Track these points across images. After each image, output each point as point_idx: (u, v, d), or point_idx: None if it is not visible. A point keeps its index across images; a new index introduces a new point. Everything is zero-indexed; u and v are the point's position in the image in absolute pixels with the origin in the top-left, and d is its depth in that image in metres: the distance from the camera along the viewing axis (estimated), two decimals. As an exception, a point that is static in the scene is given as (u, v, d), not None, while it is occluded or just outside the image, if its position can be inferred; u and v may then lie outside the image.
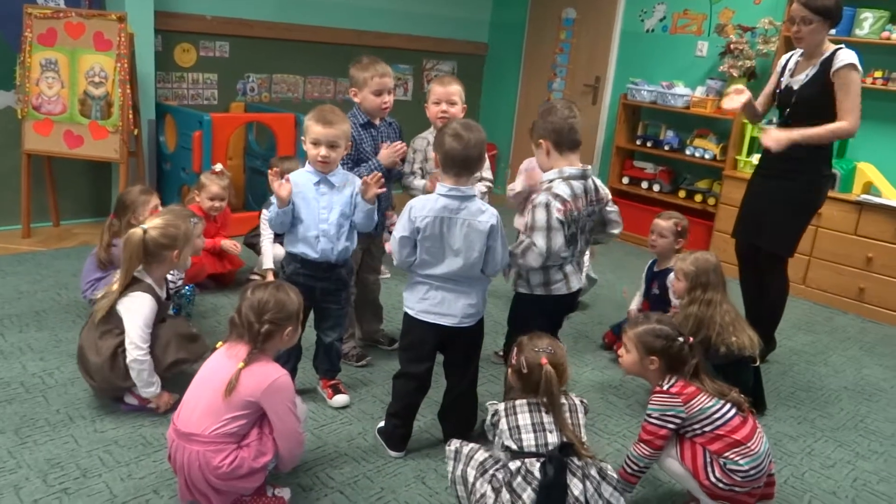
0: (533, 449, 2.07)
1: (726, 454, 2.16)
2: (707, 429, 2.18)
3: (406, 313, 2.50)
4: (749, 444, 2.16)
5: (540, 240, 2.42)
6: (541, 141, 2.51)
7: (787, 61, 3.42)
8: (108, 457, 2.41)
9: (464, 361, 2.55)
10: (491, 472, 2.10)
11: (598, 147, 6.05)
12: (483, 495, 2.07)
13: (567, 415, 2.15)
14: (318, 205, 2.62)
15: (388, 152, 2.92)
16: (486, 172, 3.24)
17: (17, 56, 4.23)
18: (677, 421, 2.19)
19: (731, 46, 5.00)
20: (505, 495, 2.04)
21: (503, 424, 2.13)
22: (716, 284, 2.88)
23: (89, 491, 2.23)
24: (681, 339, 2.23)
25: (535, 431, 2.10)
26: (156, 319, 2.64)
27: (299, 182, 2.64)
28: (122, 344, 2.59)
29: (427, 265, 2.40)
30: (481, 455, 2.16)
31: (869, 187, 4.45)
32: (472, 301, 2.44)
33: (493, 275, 2.51)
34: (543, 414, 2.12)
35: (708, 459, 2.19)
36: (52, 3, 4.37)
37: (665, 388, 2.21)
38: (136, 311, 2.57)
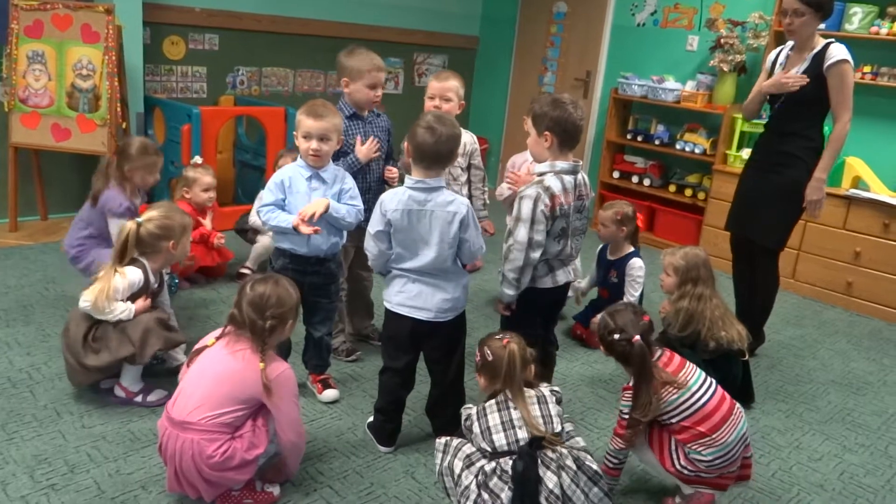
0: (505, 448, 2.09)
1: (690, 444, 2.19)
2: (674, 419, 2.20)
3: (385, 306, 2.49)
4: (714, 436, 2.17)
5: (522, 230, 2.42)
6: (546, 133, 2.46)
7: (778, 56, 3.43)
8: (95, 452, 2.40)
9: (443, 357, 2.52)
10: (477, 465, 2.11)
11: (588, 141, 6.05)
12: (467, 487, 2.08)
13: (535, 407, 2.16)
14: (310, 200, 2.61)
15: (366, 149, 2.89)
16: (477, 180, 3.25)
17: (2, 48, 4.18)
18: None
19: (722, 41, 5.01)
20: (485, 496, 2.05)
21: (475, 428, 2.16)
22: (706, 279, 2.89)
23: (77, 487, 2.22)
24: (619, 334, 2.21)
25: (504, 430, 2.12)
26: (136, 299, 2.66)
27: (291, 176, 2.62)
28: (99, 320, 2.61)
29: (402, 259, 2.40)
30: (469, 448, 2.18)
31: (857, 182, 4.47)
32: (448, 296, 2.42)
33: (469, 262, 2.51)
34: (512, 411, 2.14)
35: (673, 447, 2.23)
36: (39, -6, 4.32)
37: (631, 384, 2.24)
38: (122, 273, 2.60)
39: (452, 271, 2.43)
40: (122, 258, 2.63)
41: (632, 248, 3.51)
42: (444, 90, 3.08)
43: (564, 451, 2.12)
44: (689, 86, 5.25)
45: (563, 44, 6.22)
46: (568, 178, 2.48)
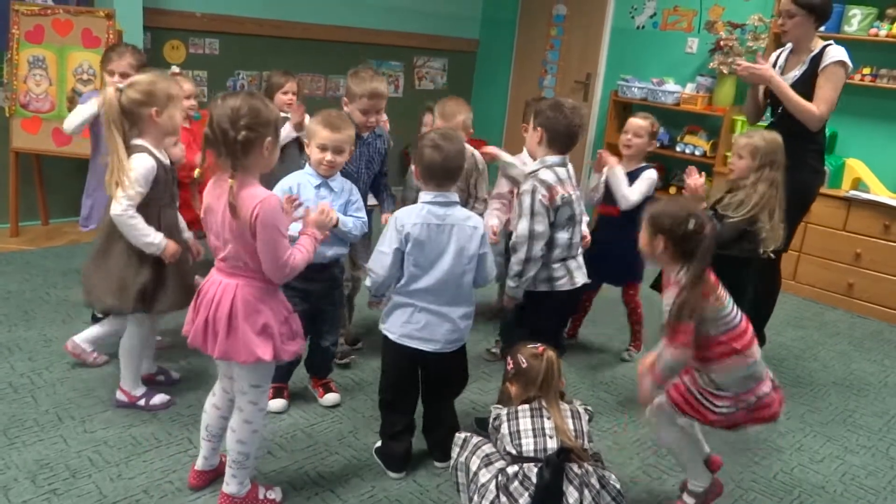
0: (532, 454, 2.06)
1: (725, 362, 2.13)
2: (712, 332, 2.13)
3: (386, 337, 2.41)
4: (748, 353, 2.15)
5: (523, 223, 2.46)
6: (539, 128, 2.53)
7: (777, 58, 3.44)
8: (97, 457, 2.40)
9: (441, 383, 2.51)
10: (496, 465, 2.09)
11: (588, 143, 6.06)
12: (484, 486, 2.06)
13: (569, 420, 2.13)
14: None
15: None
16: (481, 192, 3.26)
17: (3, 53, 4.19)
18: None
19: (721, 43, 5.01)
20: (503, 499, 2.04)
21: (504, 429, 2.12)
22: (780, 165, 2.80)
23: (79, 492, 2.23)
24: (694, 221, 2.09)
25: (535, 436, 2.08)
26: (162, 191, 2.50)
27: (300, 183, 2.61)
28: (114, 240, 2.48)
29: (413, 279, 2.32)
30: (488, 448, 2.15)
31: (857, 183, 4.48)
32: (455, 326, 2.38)
33: (484, 282, 2.47)
34: (545, 419, 2.10)
35: (702, 397, 2.19)
36: (40, 0, 4.33)
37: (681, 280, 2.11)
38: (133, 168, 2.40)
39: (464, 296, 2.39)
40: (113, 132, 2.42)
41: (644, 162, 3.38)
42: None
43: (590, 468, 2.08)
44: (689, 88, 5.26)
45: (563, 46, 6.23)
46: (560, 170, 2.53)
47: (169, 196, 2.57)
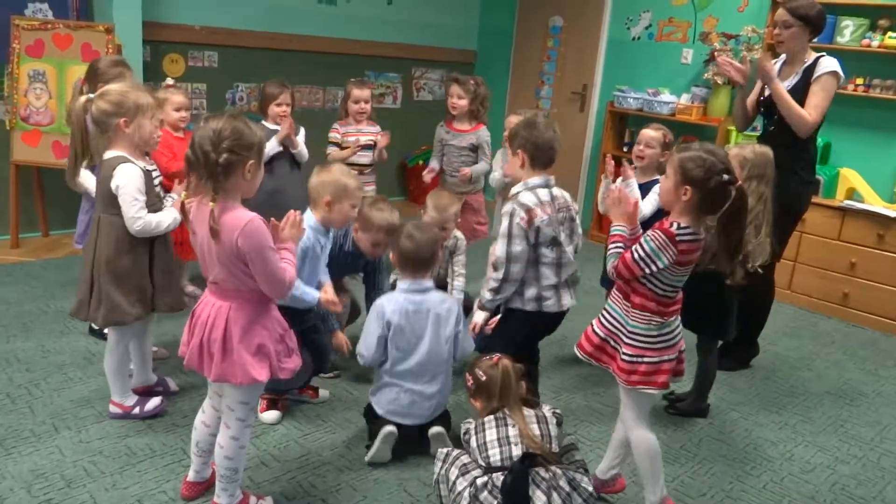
0: (499, 463, 2.12)
1: (652, 315, 2.16)
2: (658, 290, 2.15)
3: (373, 408, 2.63)
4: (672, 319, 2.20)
5: (500, 246, 2.56)
6: (519, 151, 2.59)
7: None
8: (92, 467, 2.42)
9: (423, 433, 2.65)
10: (472, 473, 2.14)
11: (585, 154, 6.09)
12: (460, 494, 2.11)
13: (534, 426, 2.19)
14: (321, 259, 2.72)
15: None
16: (459, 266, 3.36)
17: (4, 67, 4.25)
18: (654, 269, 2.10)
19: (715, 54, 5.05)
20: None
21: (473, 442, 2.20)
22: (769, 180, 2.78)
23: (73, 501, 2.25)
24: (725, 175, 2.03)
25: (500, 446, 2.15)
26: (148, 198, 2.53)
27: (312, 245, 2.64)
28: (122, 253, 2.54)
29: (397, 361, 2.55)
30: (466, 458, 2.22)
31: (852, 193, 4.50)
32: (437, 401, 2.62)
33: (462, 356, 2.68)
34: (510, 428, 2.17)
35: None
36: (40, 14, 4.39)
37: (674, 231, 2.08)
38: (122, 183, 2.45)
39: (443, 370, 2.60)
40: (85, 147, 2.50)
41: (658, 175, 3.34)
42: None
43: (559, 471, 2.12)
44: (684, 98, 5.30)
45: (560, 57, 6.27)
46: (542, 192, 2.58)
47: (154, 197, 2.59)
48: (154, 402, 2.76)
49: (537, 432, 2.18)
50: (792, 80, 3.34)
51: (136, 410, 2.73)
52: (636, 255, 2.11)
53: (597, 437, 2.88)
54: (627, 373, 2.20)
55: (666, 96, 5.35)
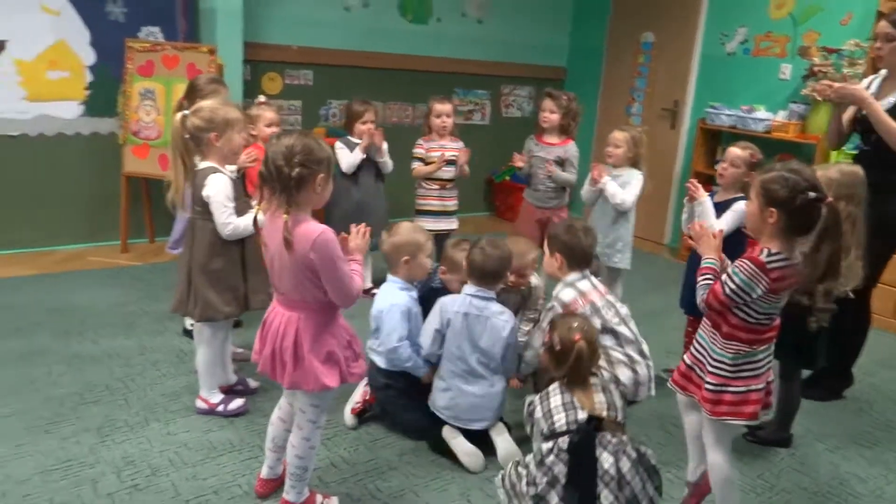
0: (564, 428, 2.08)
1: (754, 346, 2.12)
2: (751, 319, 2.09)
3: (434, 415, 2.74)
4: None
5: (537, 339, 2.71)
6: (556, 254, 2.75)
7: (870, 84, 3.31)
8: (176, 458, 2.59)
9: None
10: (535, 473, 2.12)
11: (675, 171, 5.96)
12: (525, 467, 2.14)
13: (600, 393, 2.16)
14: (412, 315, 2.83)
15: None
16: (528, 317, 3.31)
17: (119, 86, 4.60)
18: (748, 300, 2.05)
19: (815, 69, 4.85)
20: (538, 474, 2.05)
21: (538, 412, 2.17)
22: (859, 201, 2.62)
23: (157, 488, 2.41)
24: (812, 192, 1.95)
25: (565, 410, 2.11)
26: (237, 204, 2.70)
27: (409, 303, 2.80)
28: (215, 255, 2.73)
29: (454, 361, 2.67)
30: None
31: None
32: (495, 405, 2.71)
33: (508, 374, 2.78)
34: (574, 394, 2.15)
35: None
36: (152, 37, 4.74)
37: (764, 259, 2.02)
38: (213, 192, 2.65)
39: (499, 377, 2.71)
40: (177, 153, 2.68)
41: (740, 193, 3.23)
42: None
43: (626, 439, 2.07)
44: (781, 115, 5.10)
45: (651, 74, 6.18)
46: (582, 283, 2.71)
47: (242, 204, 2.76)
48: (238, 402, 2.91)
49: (601, 399, 2.14)
50: (894, 97, 3.16)
51: (221, 408, 2.89)
52: (727, 290, 2.06)
53: (668, 460, 2.80)
54: (713, 403, 2.16)
55: (761, 113, 5.17)
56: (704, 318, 2.24)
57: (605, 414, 2.10)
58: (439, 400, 2.71)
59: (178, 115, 2.67)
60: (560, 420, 2.10)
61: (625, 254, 3.74)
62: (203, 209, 2.70)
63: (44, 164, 4.62)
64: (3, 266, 4.41)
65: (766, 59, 5.36)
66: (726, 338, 2.13)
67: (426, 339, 2.72)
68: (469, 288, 2.69)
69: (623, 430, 2.12)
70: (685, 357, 2.32)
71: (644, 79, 6.24)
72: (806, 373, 3.17)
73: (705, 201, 3.16)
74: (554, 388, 2.19)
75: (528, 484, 2.09)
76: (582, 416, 2.09)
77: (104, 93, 4.66)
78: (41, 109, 4.52)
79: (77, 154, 4.71)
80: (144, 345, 3.48)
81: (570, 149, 4.09)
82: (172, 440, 2.70)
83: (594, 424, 2.06)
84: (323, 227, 2.01)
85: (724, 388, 2.13)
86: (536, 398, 2.23)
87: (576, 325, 2.23)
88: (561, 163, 4.04)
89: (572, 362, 2.15)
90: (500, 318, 2.67)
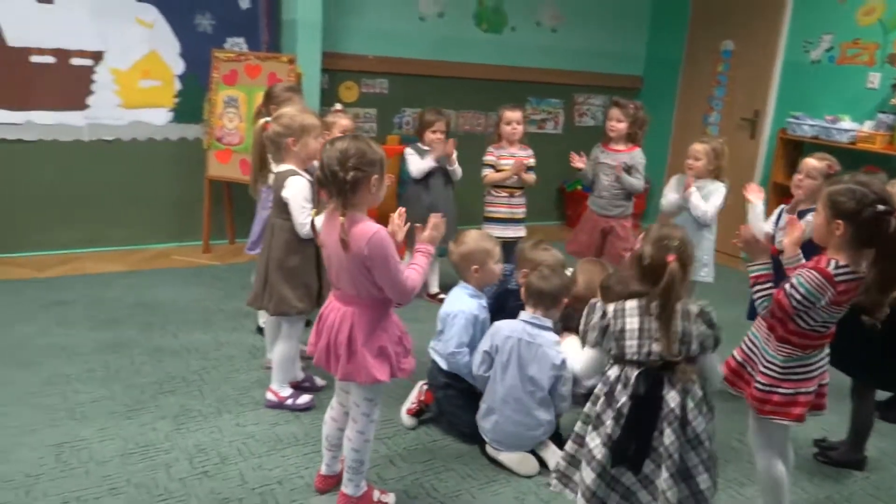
0: (635, 357, 1.98)
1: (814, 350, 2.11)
2: (806, 326, 2.07)
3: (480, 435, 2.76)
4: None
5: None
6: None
7: None
8: (244, 448, 2.71)
9: None
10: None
11: (755, 182, 5.78)
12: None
13: (678, 321, 1.97)
14: (479, 321, 2.90)
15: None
16: None
17: (205, 94, 4.85)
18: (813, 309, 2.03)
19: (906, 78, 4.63)
20: (601, 399, 2.03)
21: (610, 326, 2.02)
22: None
23: (225, 476, 2.53)
24: (880, 206, 1.93)
25: (640, 338, 1.97)
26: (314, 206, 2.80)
27: (478, 311, 2.87)
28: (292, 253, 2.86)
29: (502, 384, 2.65)
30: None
31: None
32: (543, 432, 2.69)
33: (561, 410, 2.73)
34: (653, 320, 1.97)
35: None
36: (237, 48, 4.98)
37: (832, 270, 1.99)
38: (292, 194, 2.78)
39: (547, 406, 2.67)
40: (263, 162, 2.84)
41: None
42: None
43: (694, 376, 1.99)
44: (868, 126, 4.89)
45: (730, 82, 6.03)
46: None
47: (319, 204, 2.85)
48: (306, 398, 3.02)
49: (678, 328, 1.96)
50: None
51: (290, 402, 3.00)
52: (794, 301, 2.04)
53: (732, 476, 2.75)
54: (760, 401, 2.15)
55: (846, 123, 4.97)
56: (759, 318, 2.20)
57: (678, 350, 1.95)
58: (484, 421, 2.73)
59: (261, 121, 2.82)
60: (632, 348, 1.98)
61: (709, 267, 3.68)
62: (281, 209, 2.84)
63: (135, 168, 4.91)
64: (97, 262, 4.71)
65: (853, 67, 5.15)
66: (780, 341, 2.13)
67: (475, 359, 2.74)
68: (525, 314, 2.69)
69: (694, 364, 1.99)
70: (735, 353, 2.29)
71: (723, 87, 6.10)
72: (882, 394, 3.04)
73: (757, 207, 3.12)
74: (632, 307, 2.00)
75: (592, 427, 2.04)
76: (656, 348, 1.95)
77: (191, 100, 4.92)
78: (134, 116, 4.81)
79: (165, 158, 4.98)
80: (220, 340, 3.65)
81: (637, 155, 4.06)
82: (241, 431, 2.82)
83: (666, 367, 1.95)
84: (378, 226, 2.09)
85: (773, 389, 2.14)
86: (611, 311, 2.03)
87: (672, 241, 1.97)
88: (627, 169, 4.02)
89: (663, 287, 1.92)
90: (553, 349, 2.64)
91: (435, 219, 2.31)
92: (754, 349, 2.23)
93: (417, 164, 4.20)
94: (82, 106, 4.64)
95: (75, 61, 4.55)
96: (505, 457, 2.68)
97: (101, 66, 4.63)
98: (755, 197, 3.23)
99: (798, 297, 2.02)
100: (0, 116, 4.42)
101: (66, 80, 4.55)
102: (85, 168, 4.75)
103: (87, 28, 4.52)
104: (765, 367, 2.16)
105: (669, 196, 3.73)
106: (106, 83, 4.67)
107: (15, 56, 4.37)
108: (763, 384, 2.15)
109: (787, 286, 2.05)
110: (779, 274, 2.55)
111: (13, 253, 4.64)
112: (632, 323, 1.99)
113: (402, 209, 2.29)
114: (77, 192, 4.77)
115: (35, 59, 4.43)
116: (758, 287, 2.16)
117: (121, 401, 2.99)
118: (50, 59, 4.47)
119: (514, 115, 4.20)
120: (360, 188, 2.08)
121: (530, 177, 4.26)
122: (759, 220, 3.14)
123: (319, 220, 2.25)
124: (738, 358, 2.28)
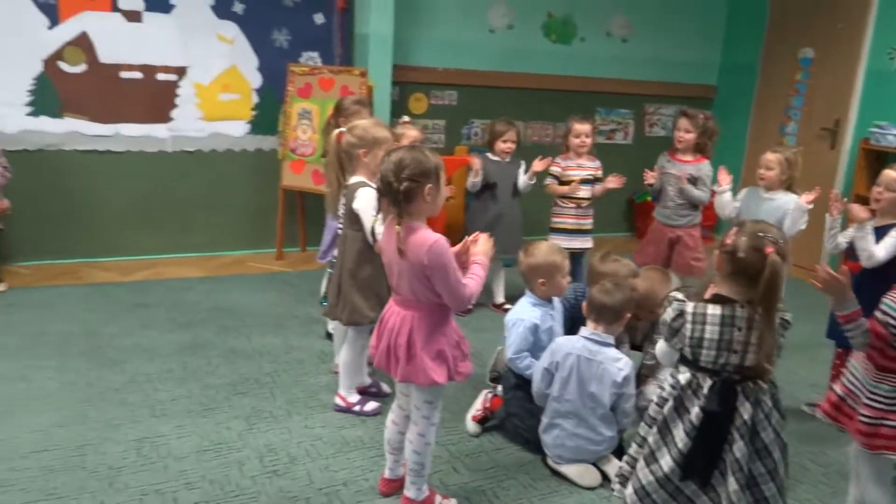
0: (710, 367, 1.91)
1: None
2: None
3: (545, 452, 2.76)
4: None
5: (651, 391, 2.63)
6: None
7: None
8: (312, 449, 2.79)
9: None
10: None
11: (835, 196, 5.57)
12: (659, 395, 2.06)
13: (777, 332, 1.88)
14: (555, 328, 2.97)
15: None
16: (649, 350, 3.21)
17: (281, 107, 5.03)
18: None
19: None
20: (670, 403, 1.99)
21: (686, 330, 1.93)
22: None
23: (293, 475, 2.62)
24: None
25: (718, 349, 1.89)
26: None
27: (541, 320, 2.91)
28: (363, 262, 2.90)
29: (563, 401, 2.66)
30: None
31: None
32: (605, 447, 2.68)
33: (621, 426, 2.71)
34: (736, 331, 1.86)
35: None
36: (311, 62, 5.14)
37: None
38: (363, 205, 2.82)
39: (609, 421, 2.67)
40: (343, 171, 2.91)
41: None
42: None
43: (766, 386, 1.94)
44: (958, 135, 4.66)
45: (809, 91, 5.84)
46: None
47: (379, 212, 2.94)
48: (373, 404, 3.09)
49: (778, 339, 1.90)
50: None
51: (357, 408, 3.08)
52: (891, 328, 2.02)
53: (802, 496, 2.66)
54: (868, 436, 2.09)
55: (934, 133, 4.75)
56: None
57: (757, 360, 1.85)
58: (545, 435, 2.73)
59: (335, 132, 2.92)
60: (708, 357, 1.89)
61: None
62: (353, 220, 2.90)
63: (214, 178, 5.13)
64: (178, 267, 4.93)
65: (943, 74, 4.92)
66: (881, 370, 2.07)
67: (535, 376, 2.75)
68: (585, 329, 2.69)
69: (768, 373, 1.91)
70: (836, 388, 2.24)
71: (801, 97, 5.91)
72: None
73: (866, 227, 2.98)
74: (715, 314, 1.88)
75: (660, 436, 2.01)
76: (734, 360, 1.86)
77: (268, 113, 5.11)
78: (214, 128, 5.03)
79: (242, 169, 5.19)
80: (291, 344, 3.77)
81: (704, 167, 3.99)
82: (310, 433, 2.91)
83: (745, 374, 1.88)
84: (437, 235, 2.13)
85: (880, 422, 2.08)
86: (689, 311, 1.91)
87: (768, 234, 1.83)
88: (693, 181, 3.95)
89: (765, 282, 1.76)
90: (614, 366, 2.62)
91: (485, 235, 2.32)
92: (856, 382, 2.17)
93: (469, 181, 4.27)
94: (166, 119, 4.88)
95: (161, 76, 4.80)
96: (566, 468, 2.67)
97: (184, 80, 4.87)
98: (862, 218, 3.07)
99: (894, 321, 1.99)
100: (92, 129, 4.70)
101: (152, 95, 4.80)
102: (167, 178, 4.99)
103: (172, 45, 4.77)
104: (869, 398, 2.10)
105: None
106: (188, 97, 4.90)
107: (106, 72, 4.64)
108: (868, 417, 2.09)
109: (878, 314, 2.02)
110: (860, 295, 2.40)
111: (100, 258, 4.91)
112: (712, 333, 1.89)
113: (475, 235, 2.31)
114: (160, 200, 5.01)
115: (124, 74, 4.70)
116: (850, 325, 2.09)
117: (197, 400, 3.12)
118: (138, 75, 4.73)
119: (583, 127, 4.20)
120: (415, 198, 2.13)
121: (597, 189, 4.26)
122: (870, 244, 2.98)
123: (380, 228, 2.32)
124: (840, 392, 2.23)
